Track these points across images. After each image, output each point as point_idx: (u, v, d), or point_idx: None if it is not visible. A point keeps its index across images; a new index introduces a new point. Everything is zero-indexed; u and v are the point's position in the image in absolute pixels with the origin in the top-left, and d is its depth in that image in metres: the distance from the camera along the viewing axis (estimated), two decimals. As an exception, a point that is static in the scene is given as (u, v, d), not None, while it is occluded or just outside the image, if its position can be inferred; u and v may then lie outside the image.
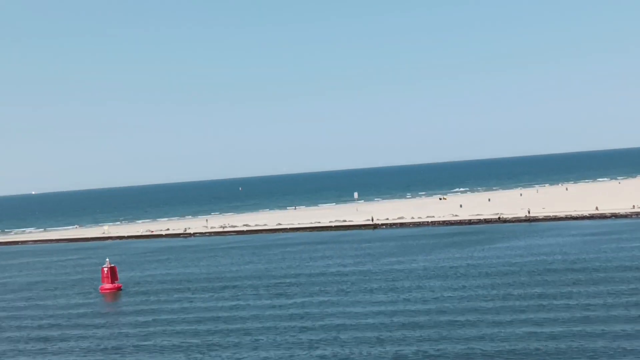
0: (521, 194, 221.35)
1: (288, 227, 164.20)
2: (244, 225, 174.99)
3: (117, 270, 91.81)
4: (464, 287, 73.95)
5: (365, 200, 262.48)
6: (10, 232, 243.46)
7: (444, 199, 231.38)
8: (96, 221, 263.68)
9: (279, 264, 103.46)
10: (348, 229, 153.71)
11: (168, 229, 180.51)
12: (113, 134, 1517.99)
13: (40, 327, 69.47)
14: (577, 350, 48.22)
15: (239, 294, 79.81)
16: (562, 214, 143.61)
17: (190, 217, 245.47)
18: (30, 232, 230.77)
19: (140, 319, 69.94)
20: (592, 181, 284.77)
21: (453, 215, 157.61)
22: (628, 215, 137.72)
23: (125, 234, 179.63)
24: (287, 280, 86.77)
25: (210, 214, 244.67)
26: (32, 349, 60.31)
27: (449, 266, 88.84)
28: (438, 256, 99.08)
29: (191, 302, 77.02)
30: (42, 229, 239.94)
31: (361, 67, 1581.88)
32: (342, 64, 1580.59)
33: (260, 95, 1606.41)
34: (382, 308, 66.06)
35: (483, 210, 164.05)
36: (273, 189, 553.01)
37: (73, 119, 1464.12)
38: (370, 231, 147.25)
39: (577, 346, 48.94)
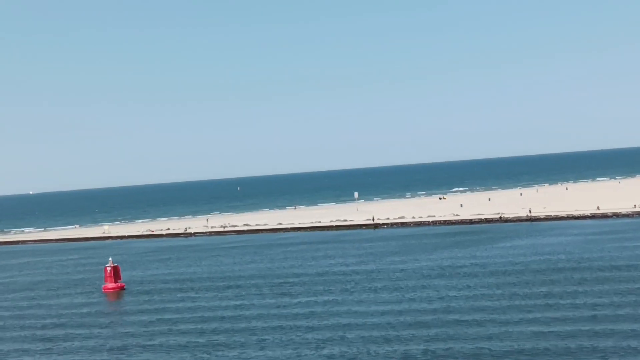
0: (521, 194, 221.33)
1: (289, 226, 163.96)
2: (245, 225, 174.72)
3: (120, 269, 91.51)
4: (469, 286, 73.73)
5: (365, 200, 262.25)
6: (9, 231, 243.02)
7: (443, 198, 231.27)
8: (95, 221, 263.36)
9: (281, 263, 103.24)
10: (349, 229, 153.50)
11: (168, 229, 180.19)
12: (109, 133, 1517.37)
13: (44, 326, 69.14)
14: (587, 350, 47.97)
15: (243, 293, 79.56)
16: (563, 214, 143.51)
17: (190, 216, 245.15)
18: (29, 232, 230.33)
19: (145, 318, 69.66)
20: (592, 181, 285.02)
21: (454, 215, 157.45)
22: (630, 214, 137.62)
23: (126, 234, 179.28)
24: (291, 280, 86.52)
25: (209, 214, 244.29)
26: (37, 348, 59.99)
27: (453, 266, 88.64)
28: (441, 256, 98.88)
29: (195, 301, 76.75)
30: (42, 229, 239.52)
31: (358, 66, 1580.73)
32: (339, 64, 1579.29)
33: (257, 95, 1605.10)
34: (388, 307, 65.84)
35: (484, 210, 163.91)
36: (271, 188, 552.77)
37: (70, 118, 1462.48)
38: (371, 231, 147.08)
39: (587, 346, 48.70)
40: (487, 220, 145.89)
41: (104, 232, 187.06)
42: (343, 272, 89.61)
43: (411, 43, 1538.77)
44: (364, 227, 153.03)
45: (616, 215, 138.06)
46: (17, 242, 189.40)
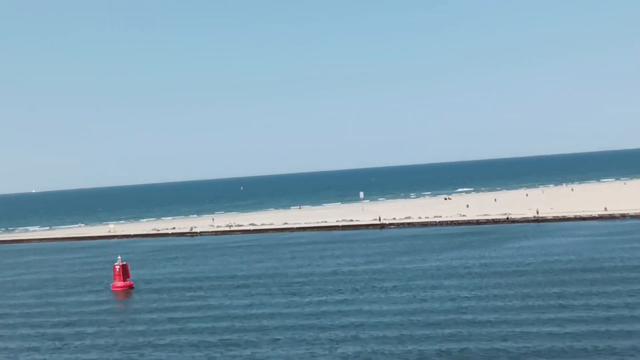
0: (527, 194, 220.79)
1: (295, 226, 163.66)
2: (250, 224, 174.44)
3: (129, 268, 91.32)
4: (480, 287, 73.37)
5: (370, 200, 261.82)
6: (14, 230, 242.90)
7: (449, 199, 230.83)
8: (99, 220, 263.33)
9: (289, 262, 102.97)
10: (355, 229, 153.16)
11: (174, 228, 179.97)
12: (112, 133, 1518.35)
13: (54, 325, 68.90)
14: (603, 351, 47.66)
15: (253, 292, 79.25)
16: (570, 215, 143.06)
17: (195, 216, 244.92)
18: (34, 231, 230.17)
19: (155, 317, 69.42)
20: (597, 182, 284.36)
21: (460, 215, 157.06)
22: (638, 215, 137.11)
23: (131, 233, 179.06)
24: (300, 280, 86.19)
25: (214, 213, 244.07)
26: (48, 347, 59.75)
27: (463, 266, 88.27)
28: (450, 256, 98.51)
29: (205, 300, 76.43)
30: (48, 227, 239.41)
31: (359, 66, 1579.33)
32: (340, 63, 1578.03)
33: (259, 95, 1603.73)
34: (400, 307, 65.53)
35: (490, 211, 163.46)
36: (274, 188, 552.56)
37: (71, 118, 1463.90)
38: (377, 231, 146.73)
39: (603, 347, 48.37)
40: (494, 221, 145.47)
41: (109, 231, 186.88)
42: (352, 272, 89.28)
43: (415, 42, 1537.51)
44: (370, 227, 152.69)
45: (623, 217, 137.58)
46: (22, 241, 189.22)
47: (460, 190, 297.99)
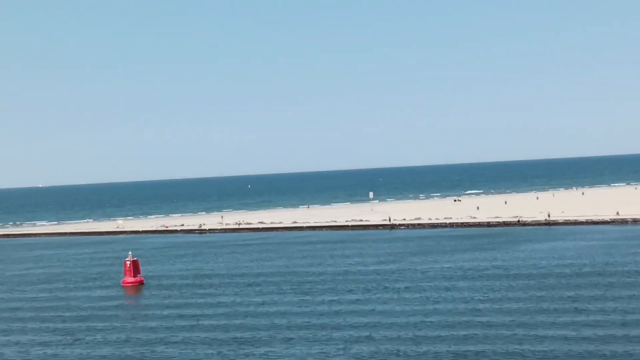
0: (537, 198, 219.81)
1: (304, 225, 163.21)
2: (259, 222, 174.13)
3: (140, 264, 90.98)
4: (493, 289, 72.69)
5: (380, 200, 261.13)
6: (21, 224, 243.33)
7: (458, 200, 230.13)
8: (107, 215, 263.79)
9: (299, 261, 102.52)
10: (365, 229, 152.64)
11: (182, 225, 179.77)
12: (117, 129, 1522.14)
13: (65, 319, 68.58)
14: (621, 356, 47.00)
15: (264, 290, 78.79)
16: (582, 219, 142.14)
17: (203, 213, 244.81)
18: (42, 225, 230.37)
19: (166, 313, 69.04)
20: (607, 186, 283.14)
21: (471, 217, 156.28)
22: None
23: (140, 229, 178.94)
24: (311, 279, 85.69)
25: (222, 211, 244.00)
26: (60, 342, 59.40)
27: (475, 268, 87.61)
28: (462, 258, 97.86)
29: (216, 298, 76.04)
30: (56, 222, 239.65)
31: (363, 66, 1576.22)
32: (343, 63, 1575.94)
33: (264, 93, 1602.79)
34: (413, 308, 64.93)
35: (500, 213, 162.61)
36: (281, 187, 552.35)
37: (78, 113, 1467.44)
38: (387, 231, 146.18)
39: (621, 352, 47.70)
40: (505, 224, 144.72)
41: (117, 227, 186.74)
42: (363, 272, 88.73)
43: (425, 42, 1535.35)
44: (380, 228, 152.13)
45: (635, 221, 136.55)
46: (30, 235, 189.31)
47: (469, 192, 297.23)
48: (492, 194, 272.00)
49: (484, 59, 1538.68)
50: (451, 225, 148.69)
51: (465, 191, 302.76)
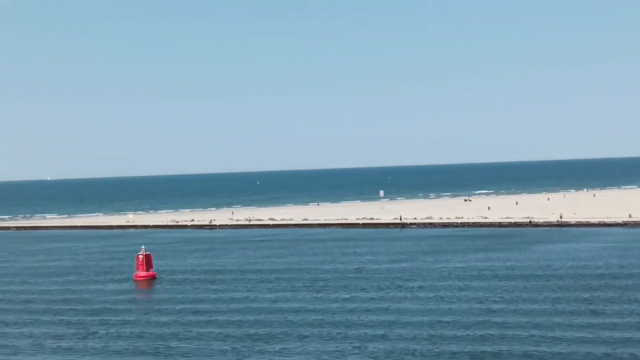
0: (548, 199, 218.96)
1: (315, 222, 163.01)
2: (270, 219, 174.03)
3: (152, 258, 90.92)
4: (508, 290, 72.26)
5: (390, 199, 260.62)
6: (31, 217, 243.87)
7: (469, 200, 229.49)
8: (116, 209, 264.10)
9: (311, 258, 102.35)
10: (376, 227, 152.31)
11: (193, 220, 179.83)
12: (124, 125, 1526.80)
13: (77, 313, 68.53)
14: (641, 359, 46.64)
15: (277, 287, 78.58)
16: (594, 220, 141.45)
17: (213, 209, 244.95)
18: (53, 218, 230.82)
19: (179, 307, 68.89)
20: (618, 188, 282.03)
21: (482, 217, 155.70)
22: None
23: (150, 223, 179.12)
24: (323, 276, 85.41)
25: (232, 207, 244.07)
26: (73, 335, 59.32)
27: (489, 268, 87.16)
28: (475, 257, 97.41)
29: (228, 293, 75.86)
30: (66, 215, 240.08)
31: (374, 64, 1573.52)
32: (352, 64, 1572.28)
33: (272, 90, 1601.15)
34: (428, 307, 64.62)
35: (512, 214, 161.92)
36: (290, 184, 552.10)
37: (85, 107, 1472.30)
38: (398, 230, 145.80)
39: (640, 354, 47.36)
40: (517, 224, 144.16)
41: (128, 221, 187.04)
42: (376, 270, 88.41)
43: (439, 40, 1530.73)
44: (391, 226, 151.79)
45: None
46: (41, 227, 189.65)
47: (479, 192, 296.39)
48: (503, 194, 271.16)
49: (495, 57, 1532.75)
50: (463, 225, 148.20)
51: (475, 191, 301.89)
